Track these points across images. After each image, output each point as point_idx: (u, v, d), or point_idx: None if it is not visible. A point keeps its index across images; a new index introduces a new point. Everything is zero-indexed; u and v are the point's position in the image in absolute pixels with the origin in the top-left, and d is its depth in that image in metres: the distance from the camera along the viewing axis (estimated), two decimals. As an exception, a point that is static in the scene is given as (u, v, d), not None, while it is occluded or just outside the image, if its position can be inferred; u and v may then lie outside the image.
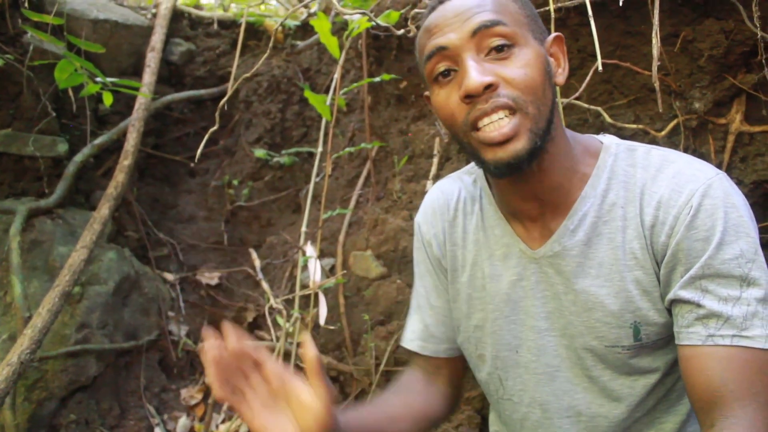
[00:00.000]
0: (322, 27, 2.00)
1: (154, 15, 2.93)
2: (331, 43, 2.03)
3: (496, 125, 1.02)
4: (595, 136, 1.21)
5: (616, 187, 1.11)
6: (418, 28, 2.00)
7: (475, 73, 1.01)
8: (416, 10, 2.05)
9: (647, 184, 1.08)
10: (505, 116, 1.02)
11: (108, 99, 2.26)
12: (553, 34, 1.14)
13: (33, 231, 2.25)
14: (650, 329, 1.11)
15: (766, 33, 1.47)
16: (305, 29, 2.91)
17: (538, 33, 1.10)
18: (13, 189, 2.38)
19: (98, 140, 2.52)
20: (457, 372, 1.41)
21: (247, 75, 2.29)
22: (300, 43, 2.87)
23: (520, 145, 1.03)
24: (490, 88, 1.01)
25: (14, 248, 2.08)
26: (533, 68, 1.03)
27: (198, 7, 3.16)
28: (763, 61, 1.51)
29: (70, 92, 2.35)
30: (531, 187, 1.13)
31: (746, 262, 0.99)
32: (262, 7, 3.26)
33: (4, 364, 1.72)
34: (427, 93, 1.17)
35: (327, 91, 2.71)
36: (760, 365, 0.97)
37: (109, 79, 2.21)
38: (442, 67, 1.07)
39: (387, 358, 2.01)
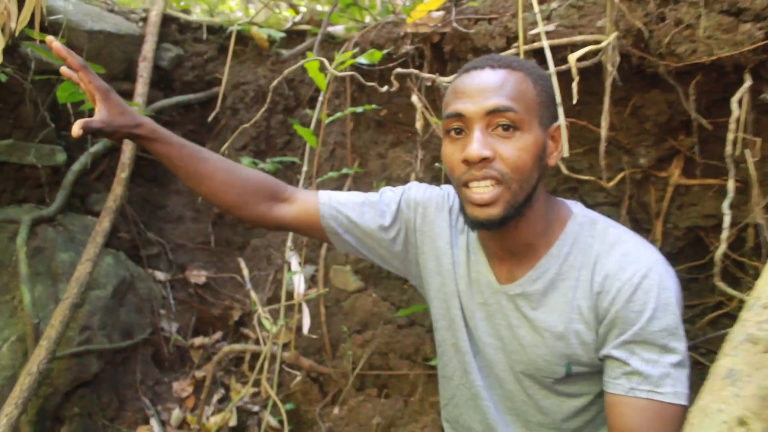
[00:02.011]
0: (312, 65, 2.18)
1: (144, 20, 3.05)
2: (319, 79, 2.21)
3: (481, 190, 1.26)
4: (567, 202, 1.43)
5: (576, 252, 1.35)
6: (399, 64, 2.19)
7: (478, 145, 1.23)
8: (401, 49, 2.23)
9: (601, 255, 1.33)
10: (491, 185, 1.25)
11: (105, 113, 2.43)
12: (560, 121, 1.36)
13: (36, 239, 2.42)
14: (580, 368, 1.37)
15: (697, 112, 1.71)
16: (290, 37, 3.05)
17: (545, 119, 1.31)
18: (14, 196, 2.54)
19: (93, 148, 2.68)
20: (290, 226, 1.61)
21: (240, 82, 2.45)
22: (285, 52, 3.02)
23: (495, 212, 1.26)
24: (486, 159, 1.24)
25: (22, 258, 2.26)
26: (527, 153, 1.25)
27: (186, 11, 3.29)
28: (695, 135, 1.75)
29: (68, 103, 2.49)
30: (505, 240, 1.37)
31: (668, 334, 1.24)
32: (251, 11, 3.39)
33: (26, 373, 1.92)
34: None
35: (310, 102, 2.90)
36: (667, 416, 1.23)
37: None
38: (455, 125, 1.29)
39: (362, 364, 2.26)
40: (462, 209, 1.34)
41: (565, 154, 1.34)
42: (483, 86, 1.27)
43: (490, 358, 1.47)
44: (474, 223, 1.32)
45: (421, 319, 2.25)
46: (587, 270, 1.33)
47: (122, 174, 2.51)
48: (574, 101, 1.51)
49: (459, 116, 1.28)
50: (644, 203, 1.96)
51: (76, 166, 2.61)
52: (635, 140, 1.89)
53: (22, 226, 2.35)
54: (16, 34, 2.02)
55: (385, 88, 1.94)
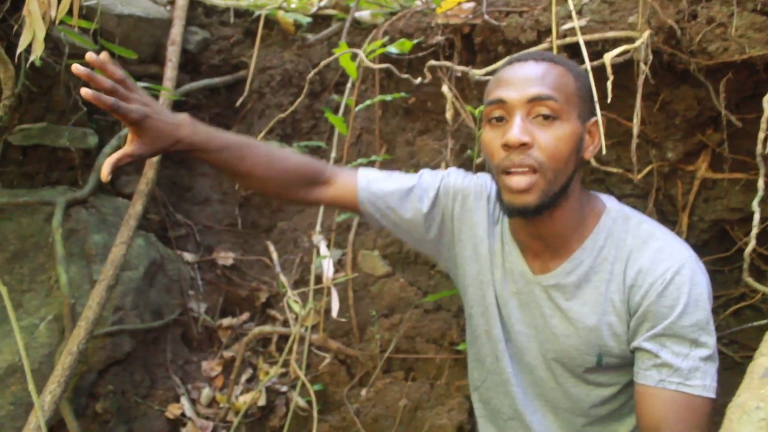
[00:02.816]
0: (343, 56, 2.21)
1: (171, 3, 3.07)
2: (350, 68, 2.24)
3: (518, 178, 1.30)
4: (600, 196, 1.48)
5: (610, 246, 1.40)
6: (429, 53, 2.22)
7: (518, 130, 1.28)
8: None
9: (634, 250, 1.37)
10: (528, 173, 1.29)
11: (137, 98, 2.48)
12: (597, 116, 1.40)
13: (70, 220, 2.47)
14: (611, 359, 1.42)
15: (727, 108, 1.74)
16: (316, 22, 3.07)
17: (584, 113, 1.36)
18: (48, 178, 2.59)
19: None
20: (334, 202, 1.64)
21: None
22: (311, 37, 3.04)
23: (530, 199, 1.31)
24: (525, 145, 1.28)
25: (58, 240, 2.32)
26: (564, 143, 1.30)
27: (212, -6, 3.31)
28: (723, 130, 1.78)
29: (100, 88, 2.54)
30: (539, 230, 1.42)
31: (699, 329, 1.29)
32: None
33: (66, 352, 1.98)
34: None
35: (336, 87, 2.93)
36: (695, 408, 1.29)
37: (139, 84, 2.41)
38: (497, 113, 1.34)
39: (390, 347, 2.32)
40: (499, 196, 1.39)
41: (602, 145, 1.38)
42: (526, 76, 1.32)
43: (522, 345, 1.52)
44: (510, 210, 1.36)
45: (447, 304, 2.31)
46: (620, 264, 1.38)
47: (153, 158, 2.55)
48: (609, 100, 1.54)
49: (501, 103, 1.32)
50: (671, 196, 2.00)
51: (107, 149, 2.65)
52: (663, 134, 1.92)
53: (57, 208, 2.40)
54: (57, 22, 2.06)
55: (418, 80, 1.97)
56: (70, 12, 2.23)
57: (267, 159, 1.52)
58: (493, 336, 1.57)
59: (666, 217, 2.02)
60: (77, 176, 2.62)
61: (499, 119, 1.34)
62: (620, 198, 1.73)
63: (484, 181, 1.60)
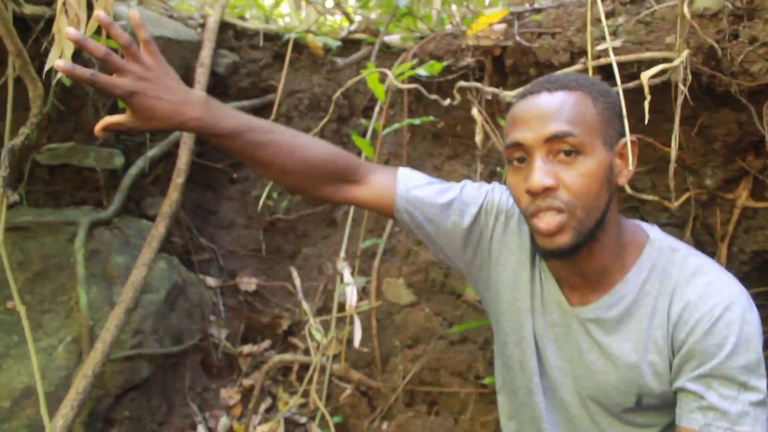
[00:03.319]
0: (371, 76, 2.17)
1: (201, 26, 3.08)
2: (378, 90, 2.20)
3: (547, 220, 1.21)
4: (643, 225, 1.39)
5: (654, 279, 1.31)
6: (459, 76, 2.17)
7: (540, 174, 1.19)
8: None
9: (680, 284, 1.27)
10: (556, 214, 1.21)
11: (163, 119, 2.47)
12: (627, 138, 1.29)
13: (93, 241, 2.45)
14: (651, 399, 1.32)
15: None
16: (345, 46, 3.05)
17: (610, 137, 1.25)
18: (73, 198, 2.58)
19: (150, 153, 2.71)
20: (365, 202, 1.51)
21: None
22: (340, 61, 3.02)
23: (563, 240, 1.22)
24: (549, 189, 1.20)
25: (79, 260, 2.29)
26: (592, 178, 1.21)
27: (243, 18, 3.31)
28: (767, 158, 1.69)
29: (127, 107, 2.53)
30: (577, 267, 1.33)
31: (749, 371, 1.19)
32: (301, 16, 3.41)
33: (81, 375, 1.94)
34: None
35: (365, 112, 2.90)
36: None
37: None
38: (517, 154, 1.26)
39: (413, 378, 2.24)
40: (532, 239, 1.31)
41: (630, 167, 1.28)
42: (540, 112, 1.23)
43: (557, 380, 1.43)
44: (545, 253, 1.28)
45: (473, 335, 2.22)
46: (665, 298, 1.28)
47: (178, 179, 2.53)
48: (646, 122, 1.47)
49: (519, 146, 1.24)
50: (709, 225, 1.90)
51: (133, 170, 2.64)
52: (702, 160, 1.84)
53: (81, 228, 2.39)
54: (84, 41, 2.05)
55: (447, 102, 1.92)
56: (99, 31, 2.24)
57: (290, 147, 1.38)
58: (528, 368, 1.47)
59: (704, 247, 1.92)
60: (102, 197, 2.61)
61: (521, 160, 1.26)
62: (655, 227, 1.65)
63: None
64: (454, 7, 3.23)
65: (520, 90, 1.84)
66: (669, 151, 1.65)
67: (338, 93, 2.19)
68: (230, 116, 1.31)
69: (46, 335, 2.28)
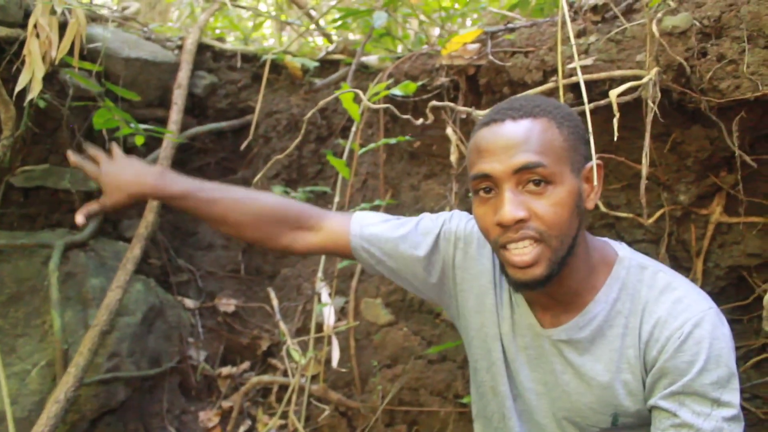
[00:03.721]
0: (346, 95, 2.17)
1: (179, 48, 3.07)
2: (353, 110, 2.20)
3: (521, 252, 1.20)
4: (611, 243, 1.38)
5: (624, 298, 1.30)
6: (434, 95, 2.17)
7: (510, 206, 1.17)
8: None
9: (650, 302, 1.27)
10: (530, 245, 1.19)
11: (140, 140, 2.46)
12: (593, 162, 1.29)
13: (68, 263, 2.43)
14: (627, 419, 1.31)
15: (741, 148, 1.66)
16: (323, 67, 3.06)
17: (577, 162, 1.24)
18: (48, 220, 2.56)
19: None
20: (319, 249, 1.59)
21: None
22: (318, 82, 3.02)
23: (538, 272, 1.21)
24: (521, 221, 1.19)
25: (53, 283, 2.27)
26: (563, 207, 1.19)
27: (221, 40, 3.31)
28: (738, 172, 1.70)
29: (104, 129, 2.51)
30: (548, 291, 1.32)
31: (720, 387, 1.18)
32: (284, 40, 3.42)
33: (53, 400, 1.91)
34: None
35: (343, 132, 2.90)
36: None
37: (141, 126, 2.39)
38: (484, 185, 1.23)
39: (392, 398, 2.22)
40: (503, 270, 1.30)
41: (595, 182, 1.27)
42: (507, 142, 1.20)
43: (532, 404, 1.42)
44: (518, 285, 1.26)
45: (452, 354, 2.21)
46: (636, 317, 1.28)
47: (154, 201, 2.51)
48: (617, 139, 1.47)
49: (486, 177, 1.22)
50: (684, 241, 1.91)
51: (109, 192, 2.62)
52: (675, 176, 1.85)
53: (55, 251, 2.36)
54: (56, 62, 2.05)
55: (420, 121, 1.92)
56: (71, 52, 2.23)
57: (241, 201, 1.50)
58: (500, 393, 1.46)
59: (680, 263, 1.93)
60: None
61: (487, 191, 1.24)
62: (631, 244, 1.65)
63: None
64: (435, 28, 3.25)
65: (481, 115, 1.83)
66: (641, 168, 1.66)
67: (311, 113, 2.17)
68: (182, 180, 1.51)
69: (20, 359, 2.25)
